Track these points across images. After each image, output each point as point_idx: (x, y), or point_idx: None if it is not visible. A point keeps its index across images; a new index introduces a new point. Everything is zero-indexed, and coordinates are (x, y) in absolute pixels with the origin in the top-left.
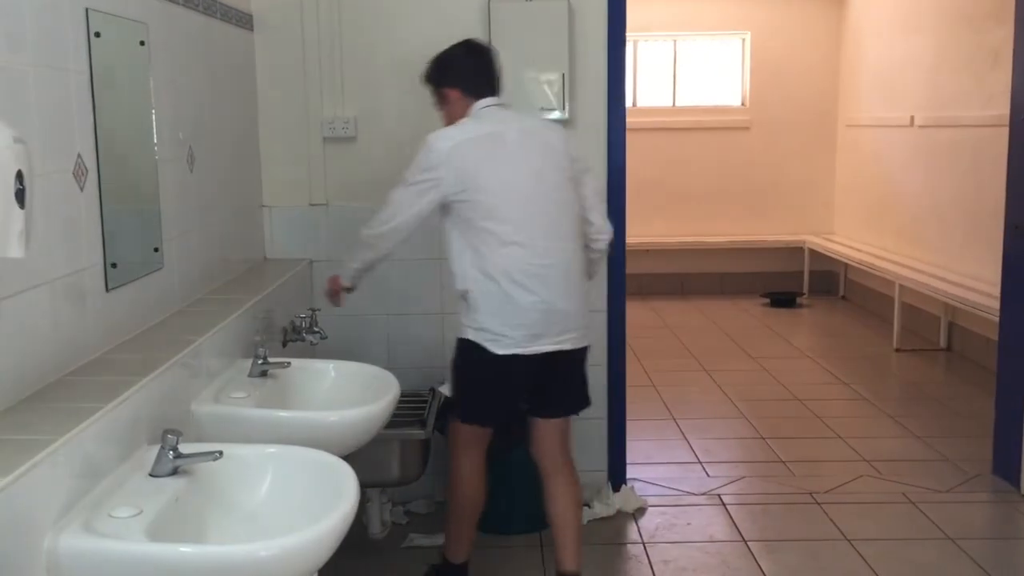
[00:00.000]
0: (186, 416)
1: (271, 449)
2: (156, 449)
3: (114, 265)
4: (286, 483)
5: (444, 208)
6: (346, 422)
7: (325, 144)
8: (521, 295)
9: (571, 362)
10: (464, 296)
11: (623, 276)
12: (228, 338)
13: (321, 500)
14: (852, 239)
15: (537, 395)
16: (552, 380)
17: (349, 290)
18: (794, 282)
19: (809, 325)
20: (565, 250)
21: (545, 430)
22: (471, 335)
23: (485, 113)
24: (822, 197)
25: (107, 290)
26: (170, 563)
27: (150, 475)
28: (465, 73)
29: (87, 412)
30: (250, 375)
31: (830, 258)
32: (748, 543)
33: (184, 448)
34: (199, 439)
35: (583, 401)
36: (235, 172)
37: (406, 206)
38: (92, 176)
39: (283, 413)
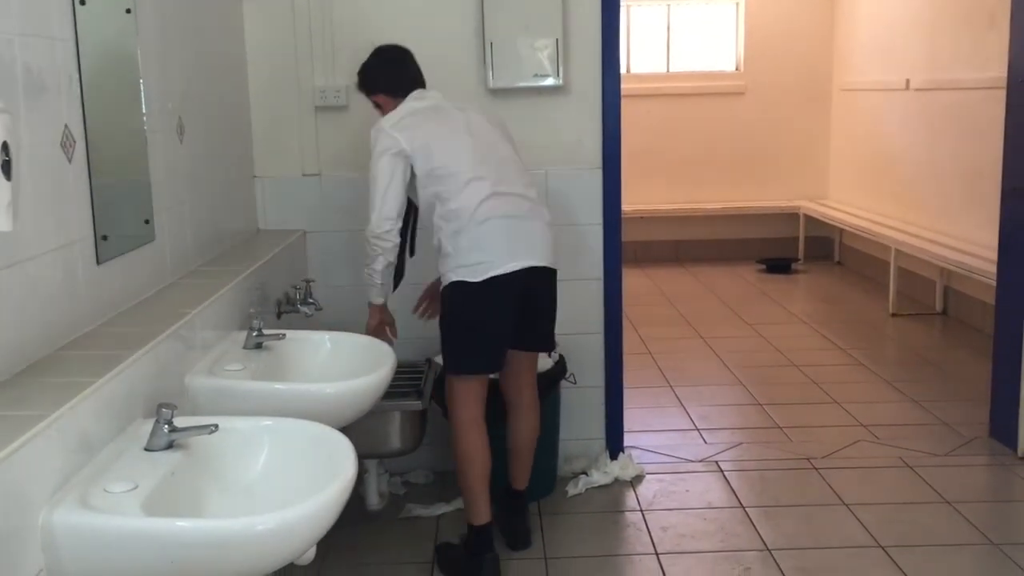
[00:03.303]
0: (181, 389)
1: (267, 422)
2: (151, 423)
3: (105, 238)
4: (283, 456)
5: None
6: (343, 394)
7: (317, 113)
8: (488, 219)
9: (546, 290)
10: (439, 248)
11: (619, 244)
12: (222, 310)
13: (319, 473)
14: (847, 204)
15: (518, 328)
16: (531, 311)
17: (386, 310)
18: (789, 248)
19: (805, 291)
20: (525, 185)
21: (520, 364)
22: (451, 278)
23: (417, 96)
24: (817, 162)
25: (98, 263)
26: (167, 538)
27: (145, 449)
28: (385, 78)
29: (81, 386)
30: (245, 347)
31: (825, 223)
32: (746, 509)
33: (179, 422)
34: (194, 412)
35: (552, 341)
36: (226, 143)
37: (383, 185)
38: (80, 147)
39: (279, 385)
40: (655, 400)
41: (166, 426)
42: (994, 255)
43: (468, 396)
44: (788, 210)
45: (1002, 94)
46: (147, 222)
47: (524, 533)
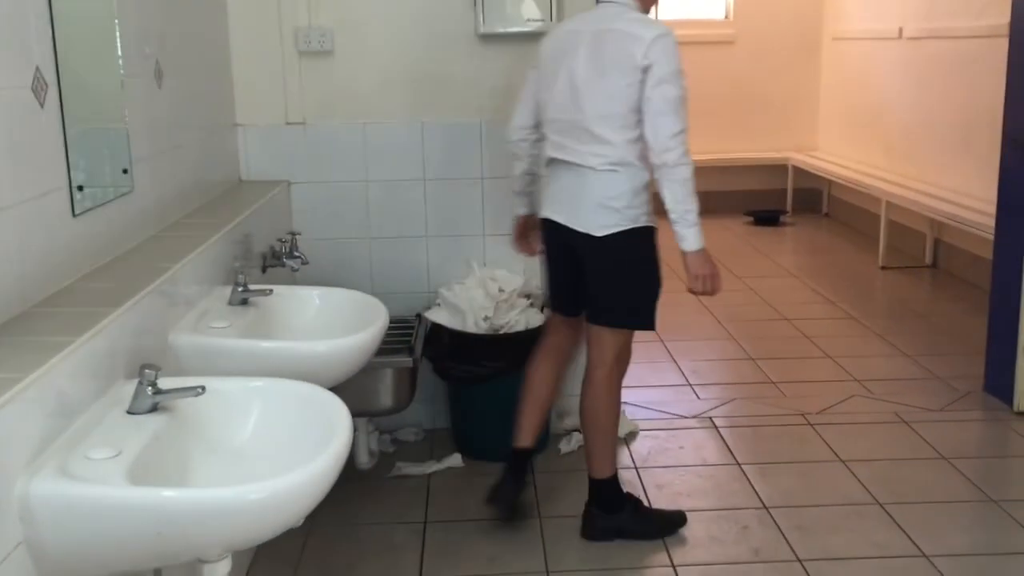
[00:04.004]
0: (164, 348)
1: (257, 382)
2: (133, 384)
3: (80, 188)
4: (274, 418)
5: None
6: (335, 352)
7: (301, 59)
8: (553, 170)
9: (589, 256)
10: None
11: None
12: (206, 264)
13: (312, 437)
14: (836, 156)
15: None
16: (581, 272)
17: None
18: (777, 200)
19: (793, 243)
20: (585, 154)
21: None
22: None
23: (596, 9)
24: (806, 113)
25: (74, 215)
26: (153, 508)
27: (128, 412)
28: None
29: (58, 346)
30: (230, 303)
31: (814, 175)
32: (742, 466)
33: (164, 383)
34: (178, 372)
35: (600, 314)
36: (206, 89)
37: (520, 99)
38: (52, 92)
39: (268, 344)
40: (646, 355)
41: (150, 388)
42: (986, 207)
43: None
44: (776, 162)
45: (998, 43)
46: (125, 172)
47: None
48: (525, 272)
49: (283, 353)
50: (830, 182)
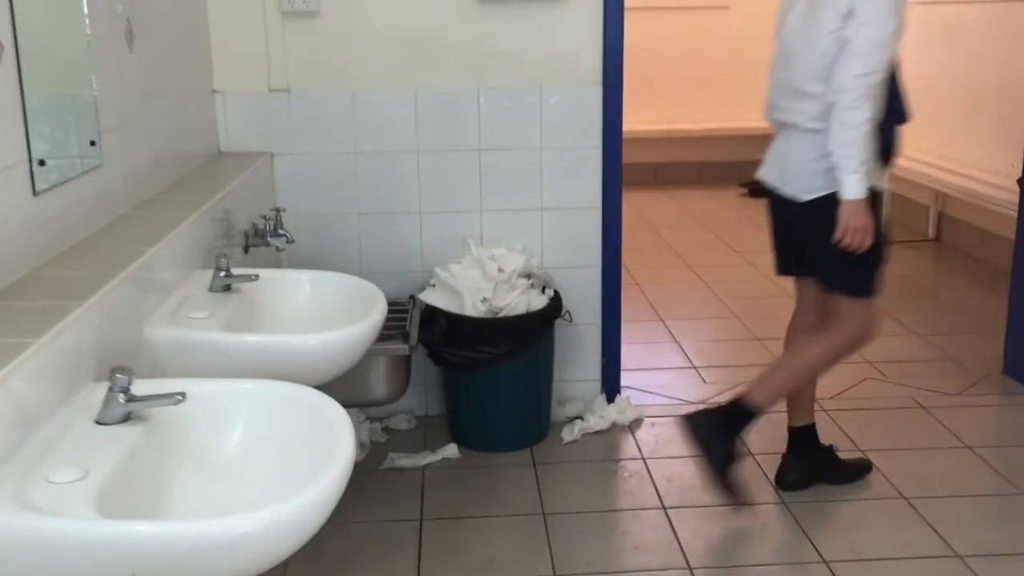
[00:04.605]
0: (138, 343)
1: (245, 384)
2: (103, 388)
3: (42, 163)
4: (264, 428)
5: None
6: (330, 346)
7: (284, 20)
8: (775, 132)
9: (797, 221)
10: None
11: (620, 169)
12: (184, 246)
13: (308, 449)
14: None
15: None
16: (792, 235)
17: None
18: None
19: None
20: (792, 111)
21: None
22: None
23: None
24: None
25: (34, 193)
26: (127, 545)
27: (97, 423)
28: None
29: (15, 348)
30: (211, 289)
31: None
32: (755, 456)
33: (138, 387)
34: (155, 370)
35: (821, 273)
36: (182, 52)
37: None
38: (9, 54)
39: (254, 337)
40: (648, 335)
41: (122, 395)
42: (994, 179)
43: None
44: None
45: (1010, 8)
46: (93, 144)
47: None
48: (526, 250)
49: (271, 348)
50: None
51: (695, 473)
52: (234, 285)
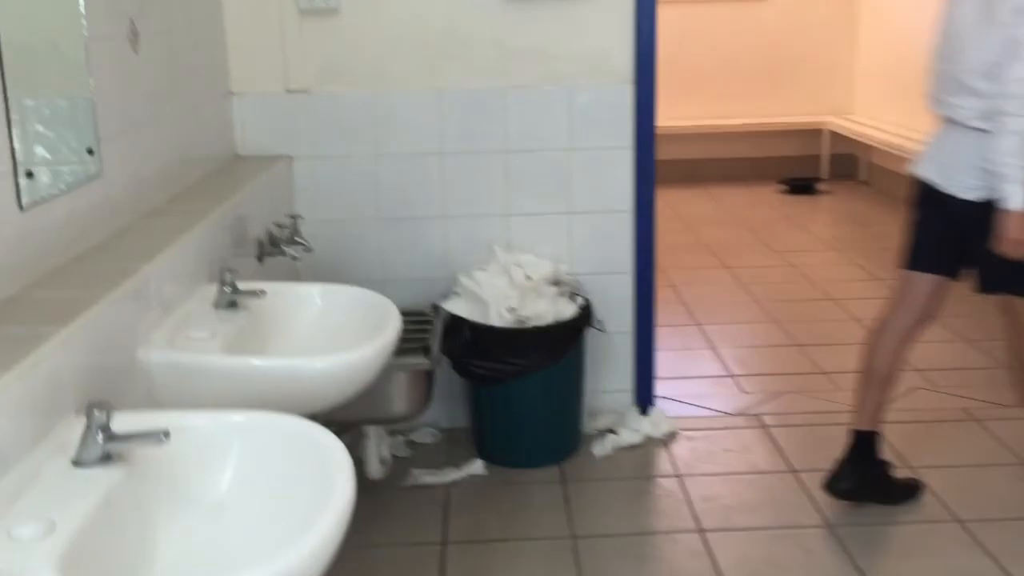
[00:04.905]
0: (131, 367)
1: (236, 417)
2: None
3: (30, 175)
4: (258, 465)
5: None
6: (337, 369)
7: (302, 18)
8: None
9: (962, 220)
10: None
11: (652, 171)
12: (188, 259)
13: (305, 489)
14: (876, 119)
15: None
16: (953, 233)
17: None
18: (812, 167)
19: (831, 213)
20: (955, 107)
21: None
22: None
23: None
24: (843, 73)
25: (20, 208)
26: None
27: (73, 463)
28: None
29: None
30: (216, 306)
31: (851, 140)
32: (798, 474)
33: (121, 422)
34: (150, 396)
35: (988, 281)
36: (194, 52)
37: None
38: None
39: (257, 361)
40: (683, 341)
41: (100, 433)
42: None
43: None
44: (811, 126)
45: None
46: (91, 152)
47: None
48: (554, 256)
49: (275, 372)
50: (869, 147)
51: (733, 492)
52: (240, 301)
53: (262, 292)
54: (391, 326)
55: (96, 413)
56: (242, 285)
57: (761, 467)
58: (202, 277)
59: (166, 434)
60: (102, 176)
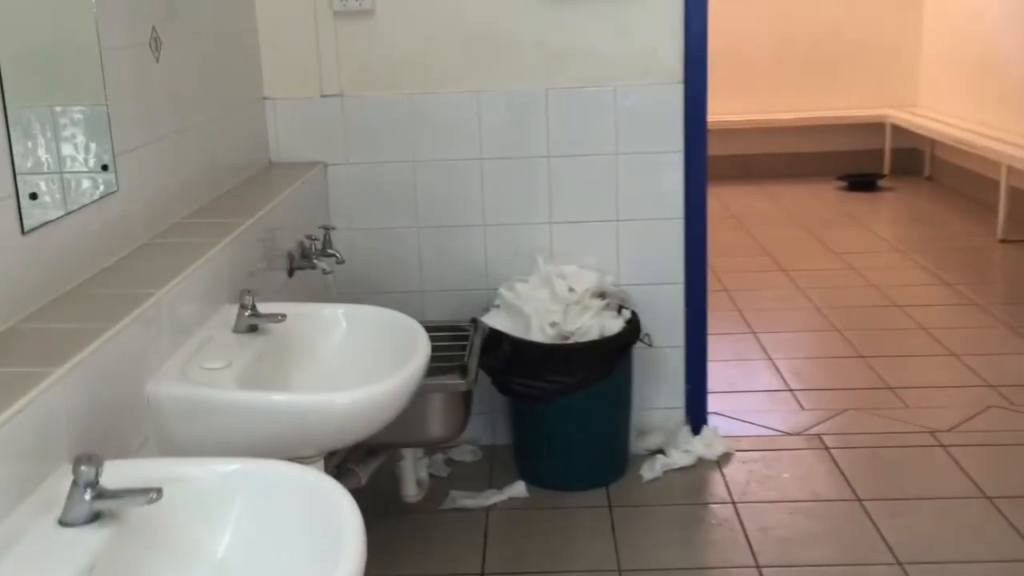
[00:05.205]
0: (137, 403)
1: (233, 465)
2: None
3: (34, 196)
4: (261, 522)
5: None
6: (360, 405)
7: (337, 20)
8: None
9: None
10: None
11: (704, 176)
12: (209, 278)
13: (311, 551)
14: (941, 112)
15: None
16: None
17: None
18: (873, 162)
19: (894, 212)
20: None
21: None
22: None
23: None
24: (906, 64)
25: (23, 232)
26: None
27: (60, 523)
28: None
29: None
30: (235, 330)
31: (915, 134)
32: (863, 503)
33: (112, 474)
34: (159, 434)
35: None
36: (225, 58)
37: None
38: None
39: (276, 396)
40: (737, 350)
41: (88, 490)
42: None
43: None
44: (872, 120)
45: None
46: (105, 168)
47: None
48: (600, 267)
49: (294, 408)
50: (933, 142)
51: (792, 522)
52: (261, 325)
53: (282, 317)
54: (420, 351)
55: (84, 468)
56: (263, 307)
57: (823, 494)
58: (224, 297)
59: (158, 492)
60: (118, 192)
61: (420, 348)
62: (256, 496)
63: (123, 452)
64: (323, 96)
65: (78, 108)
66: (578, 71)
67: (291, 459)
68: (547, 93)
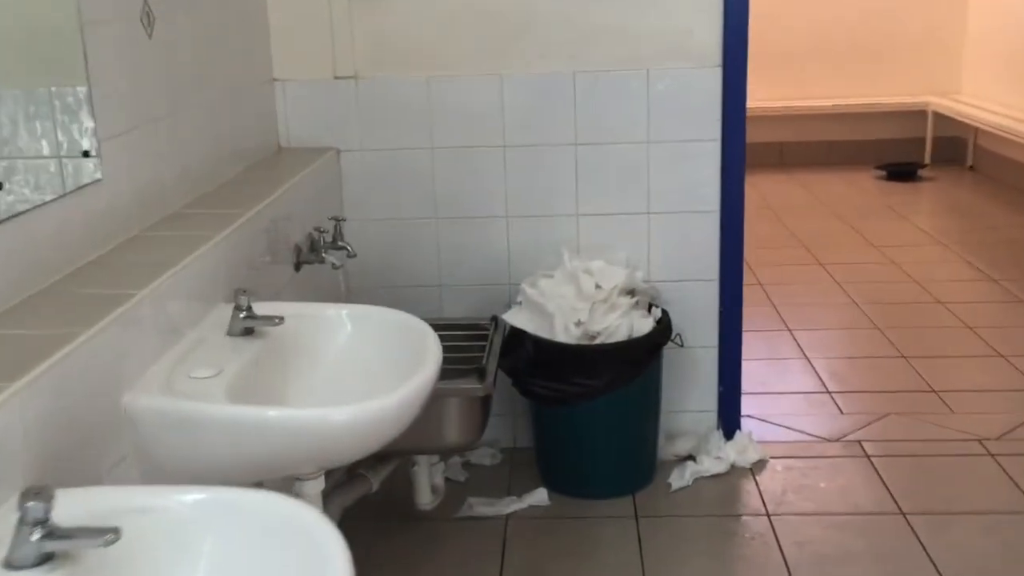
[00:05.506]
0: (112, 418)
1: (198, 495)
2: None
3: None
4: (235, 560)
5: None
6: (361, 422)
7: None
8: None
9: None
10: None
11: (742, 166)
12: (204, 274)
13: None
14: (985, 99)
15: None
16: None
17: None
18: (913, 151)
19: (935, 202)
20: None
21: None
22: None
23: None
24: (949, 49)
25: None
26: None
27: (6, 566)
28: None
29: None
30: (230, 333)
31: (957, 122)
32: (907, 516)
33: (65, 507)
34: (139, 452)
35: None
36: (230, 36)
37: None
38: None
39: (268, 411)
40: (771, 348)
41: (37, 530)
42: None
43: None
44: (913, 107)
45: None
46: (87, 154)
47: None
48: (629, 262)
49: (287, 425)
50: (977, 130)
51: (830, 537)
52: (257, 327)
53: (280, 320)
54: (430, 360)
55: (30, 505)
56: (261, 308)
57: (863, 507)
58: (220, 295)
59: (115, 533)
60: (104, 181)
61: (430, 356)
62: (229, 533)
63: (94, 473)
64: (336, 78)
65: (55, 89)
66: (608, 52)
67: (287, 477)
68: (574, 76)
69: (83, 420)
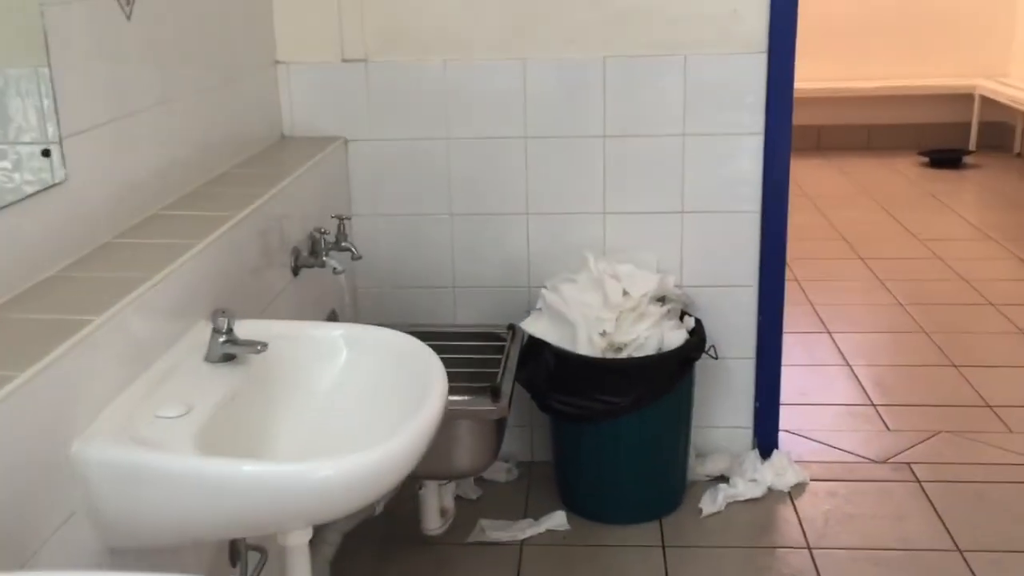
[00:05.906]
0: (57, 471)
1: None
2: None
3: None
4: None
5: None
6: (349, 476)
7: None
8: None
9: None
10: None
11: (787, 162)
12: (180, 290)
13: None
14: None
15: None
16: None
17: None
18: (959, 136)
19: (983, 192)
20: None
21: None
22: None
23: None
24: (998, 30)
25: None
26: None
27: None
28: None
29: None
30: (208, 359)
31: (1005, 107)
32: (963, 553)
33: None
34: (91, 508)
35: None
36: (225, 15)
37: None
38: None
39: (240, 467)
40: (810, 353)
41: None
42: None
43: None
44: (959, 90)
45: None
46: (47, 154)
47: None
48: (660, 267)
49: (264, 481)
50: None
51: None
52: (239, 353)
53: (263, 347)
54: (434, 393)
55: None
56: (244, 327)
57: (915, 541)
58: (202, 311)
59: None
60: (67, 183)
61: (435, 389)
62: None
63: (35, 534)
64: (344, 61)
65: (9, 80)
66: (641, 36)
67: (269, 535)
68: (604, 61)
69: (21, 474)
